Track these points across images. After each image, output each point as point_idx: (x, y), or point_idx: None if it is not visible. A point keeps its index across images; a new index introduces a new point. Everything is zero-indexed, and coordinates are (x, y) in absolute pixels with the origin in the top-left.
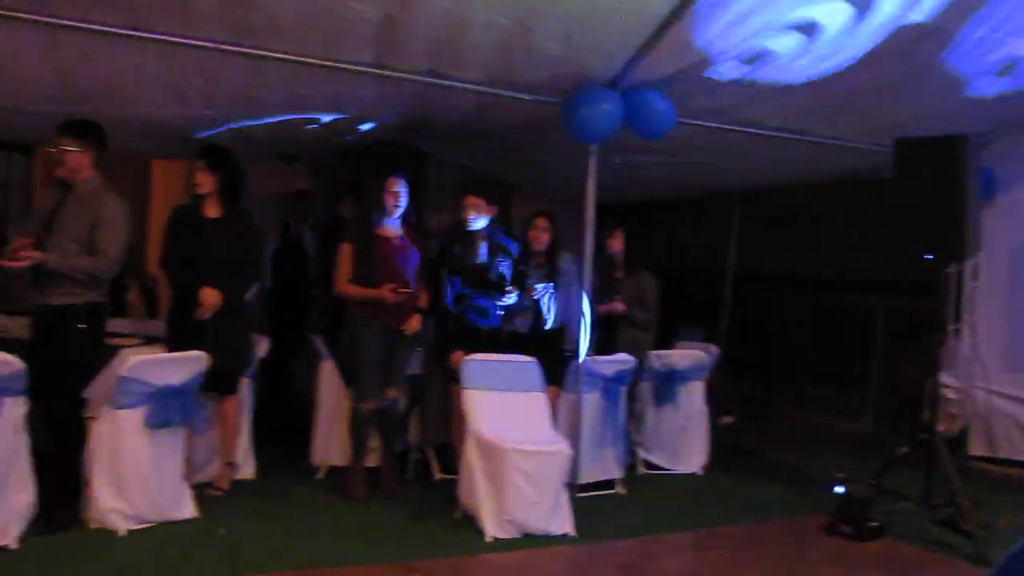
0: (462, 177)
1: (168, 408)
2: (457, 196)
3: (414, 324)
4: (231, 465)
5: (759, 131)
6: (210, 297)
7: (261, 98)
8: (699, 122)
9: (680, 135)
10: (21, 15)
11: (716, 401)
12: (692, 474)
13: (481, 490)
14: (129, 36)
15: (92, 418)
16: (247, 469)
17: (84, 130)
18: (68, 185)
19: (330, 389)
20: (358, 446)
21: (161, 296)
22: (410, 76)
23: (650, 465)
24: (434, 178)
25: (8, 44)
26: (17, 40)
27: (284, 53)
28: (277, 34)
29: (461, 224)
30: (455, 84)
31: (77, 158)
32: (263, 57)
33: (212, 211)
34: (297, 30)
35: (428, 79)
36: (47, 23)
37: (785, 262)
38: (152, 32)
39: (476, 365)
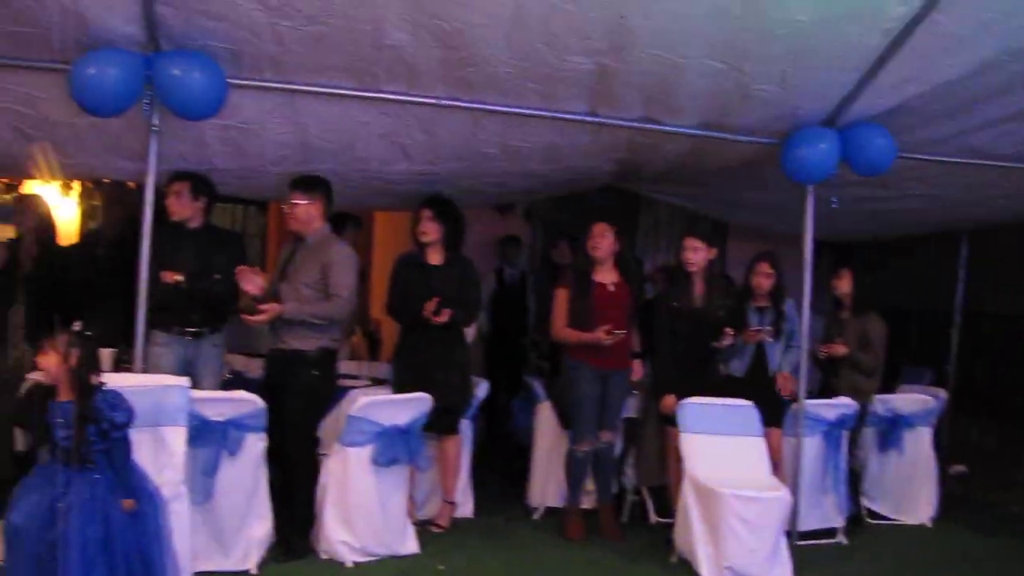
0: (673, 218)
1: (394, 446)
2: (670, 237)
3: (637, 372)
4: (451, 503)
5: (989, 162)
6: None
7: (479, 150)
8: (921, 156)
9: (904, 167)
10: (267, 84)
11: (946, 448)
12: (919, 525)
13: (698, 535)
14: (359, 97)
15: (324, 455)
16: (466, 508)
17: (313, 184)
18: (300, 237)
19: (547, 431)
20: (574, 487)
21: (383, 339)
22: (624, 123)
23: (874, 514)
24: (647, 220)
25: (256, 111)
26: (263, 107)
27: (502, 106)
28: (496, 88)
29: (679, 266)
30: (669, 129)
31: (308, 210)
32: (481, 111)
33: (435, 258)
34: (514, 84)
35: (642, 125)
36: (289, 90)
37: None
38: (380, 92)
39: (693, 408)
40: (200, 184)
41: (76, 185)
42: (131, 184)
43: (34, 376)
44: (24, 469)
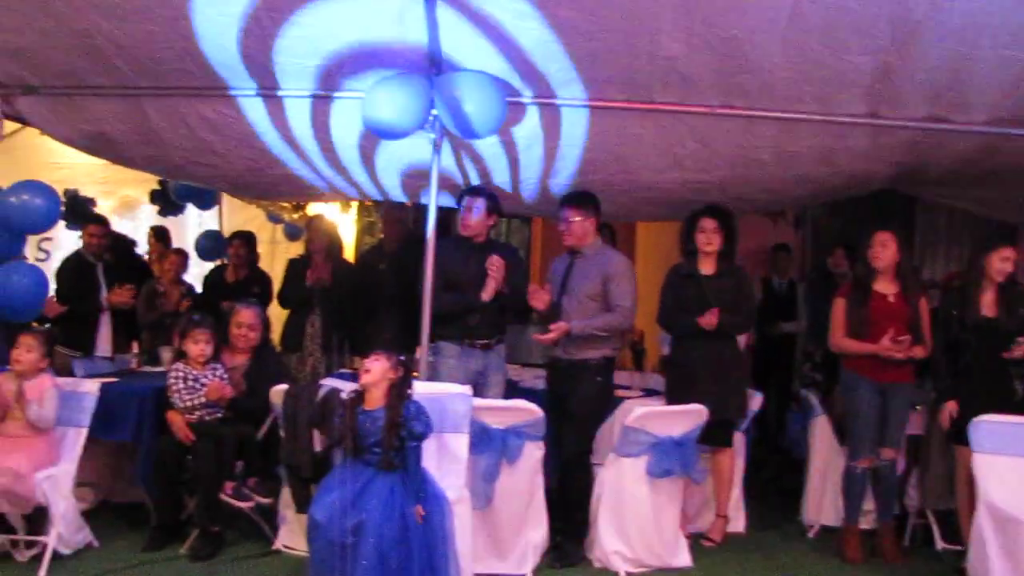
0: (953, 224)
1: (669, 458)
2: (949, 244)
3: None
4: (724, 517)
5: None
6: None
7: (752, 157)
8: None
9: None
10: (538, 101)
11: None
12: None
13: (995, 567)
14: (635, 110)
15: (597, 464)
16: (738, 522)
17: (586, 200)
18: (575, 251)
19: (823, 445)
20: (852, 506)
21: (648, 350)
22: (907, 123)
23: None
24: (925, 226)
25: (529, 126)
26: (538, 122)
27: (777, 112)
28: (770, 94)
29: (972, 274)
30: (957, 128)
31: (583, 225)
32: (755, 117)
33: (708, 268)
34: (790, 88)
35: (927, 125)
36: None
37: None
38: (654, 103)
39: (989, 426)
40: (494, 201)
41: (354, 204)
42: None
43: (329, 381)
44: (322, 469)
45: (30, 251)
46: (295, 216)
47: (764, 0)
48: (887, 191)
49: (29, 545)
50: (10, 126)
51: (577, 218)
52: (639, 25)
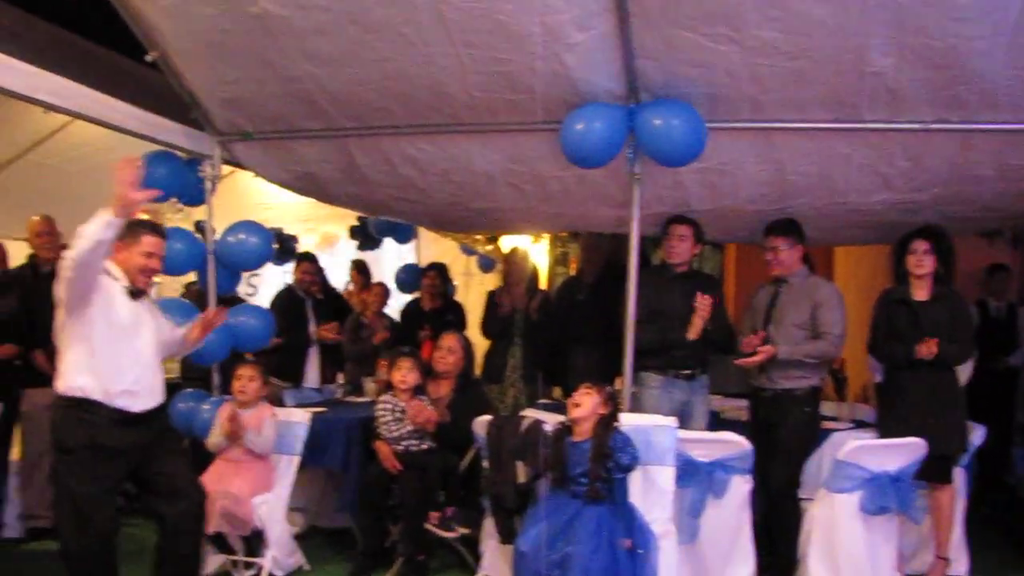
0: None
1: (884, 494)
2: None
3: None
4: (944, 559)
5: None
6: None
7: (970, 173)
8: None
9: None
10: (745, 125)
11: None
12: None
13: None
14: (839, 129)
15: (805, 499)
16: (960, 565)
17: (792, 228)
18: (780, 280)
19: None
20: None
21: (851, 380)
22: None
23: None
24: None
25: (732, 152)
26: (739, 147)
27: (999, 124)
28: (991, 104)
29: None
30: None
31: (790, 254)
32: (974, 132)
33: (921, 293)
34: (1015, 96)
35: None
36: (766, 128)
37: None
38: (862, 122)
39: None
40: (700, 230)
41: (545, 235)
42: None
43: (531, 412)
44: (526, 500)
45: (239, 287)
46: (488, 248)
47: (987, 4)
48: None
49: (247, 566)
50: (224, 169)
51: (784, 247)
52: (846, 40)
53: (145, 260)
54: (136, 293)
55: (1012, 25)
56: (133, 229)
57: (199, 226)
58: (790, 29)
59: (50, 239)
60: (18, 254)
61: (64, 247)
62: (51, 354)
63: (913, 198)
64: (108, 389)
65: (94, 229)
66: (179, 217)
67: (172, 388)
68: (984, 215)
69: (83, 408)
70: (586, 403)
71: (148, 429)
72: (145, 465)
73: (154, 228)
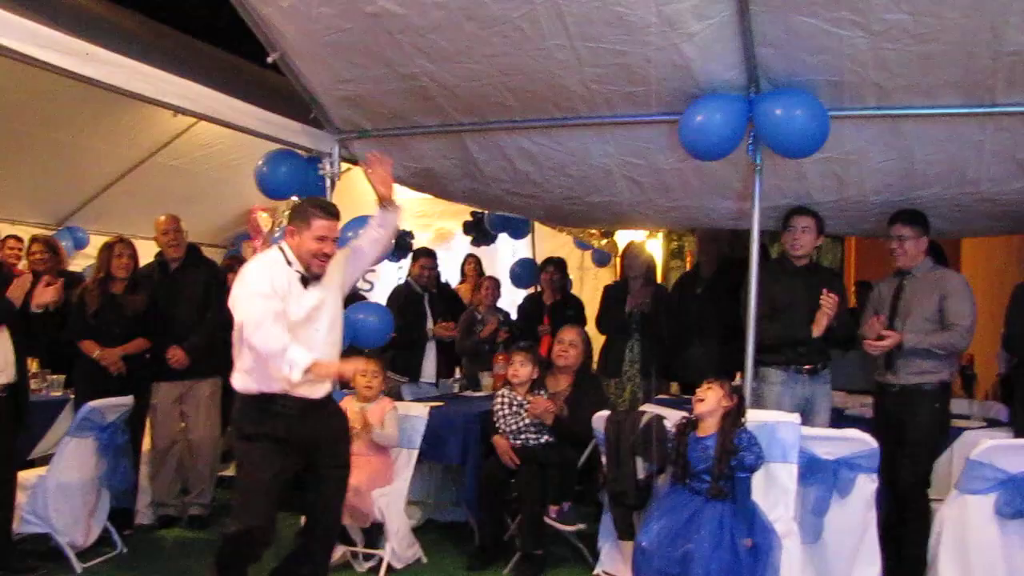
0: None
1: (1022, 497)
2: None
3: None
4: None
5: None
6: None
7: None
8: None
9: None
10: (870, 112)
11: None
12: None
13: None
14: (973, 115)
15: (934, 500)
16: None
17: (917, 219)
18: (904, 272)
19: None
20: None
21: (980, 377)
22: None
23: None
24: None
25: (857, 141)
26: (864, 136)
27: None
28: None
29: None
30: None
31: (916, 245)
32: None
33: None
34: None
35: None
36: (893, 115)
37: None
38: (996, 106)
39: None
40: (821, 222)
41: (660, 231)
42: None
43: (649, 407)
44: (645, 496)
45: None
46: (603, 243)
47: None
48: None
49: (367, 557)
50: (342, 166)
51: (910, 237)
52: (980, 19)
53: (318, 244)
54: (310, 279)
55: None
56: (303, 212)
57: None
58: (918, 10)
59: (176, 236)
60: (146, 253)
61: (190, 244)
62: (187, 348)
63: None
64: (287, 383)
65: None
66: None
67: None
68: None
69: (264, 399)
70: (710, 398)
71: (325, 414)
72: (315, 462)
73: (325, 209)
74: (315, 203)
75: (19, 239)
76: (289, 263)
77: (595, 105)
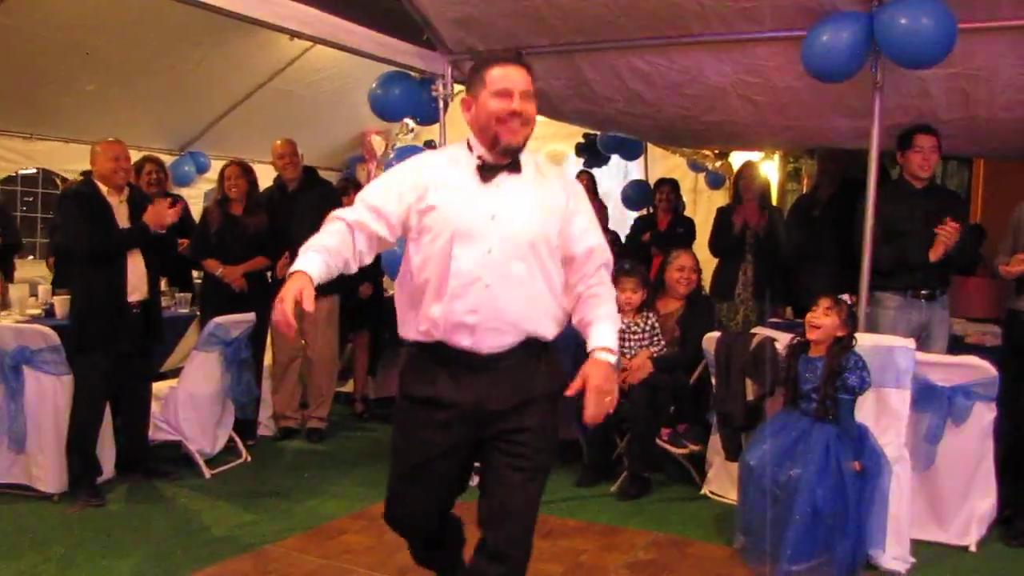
0: None
1: None
2: None
3: None
4: None
5: None
6: None
7: None
8: None
9: None
10: (1003, 24)
11: None
12: None
13: None
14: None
15: None
16: None
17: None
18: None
19: None
20: None
21: None
22: None
23: None
24: None
25: (986, 56)
26: (995, 50)
27: None
28: None
29: None
30: None
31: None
32: None
33: None
34: None
35: None
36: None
37: None
38: None
39: None
40: (940, 141)
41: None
42: None
43: (760, 329)
44: (754, 418)
45: None
46: (717, 164)
47: None
48: None
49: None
50: (455, 88)
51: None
52: None
53: (499, 102)
54: (493, 168)
55: None
56: (474, 70)
57: (429, 145)
58: None
59: (293, 159)
60: (265, 177)
61: (306, 167)
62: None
63: None
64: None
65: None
66: (410, 137)
67: None
68: None
69: (423, 351)
70: (827, 324)
71: (503, 378)
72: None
73: (501, 57)
74: (489, 53)
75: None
76: (471, 149)
77: (709, 23)
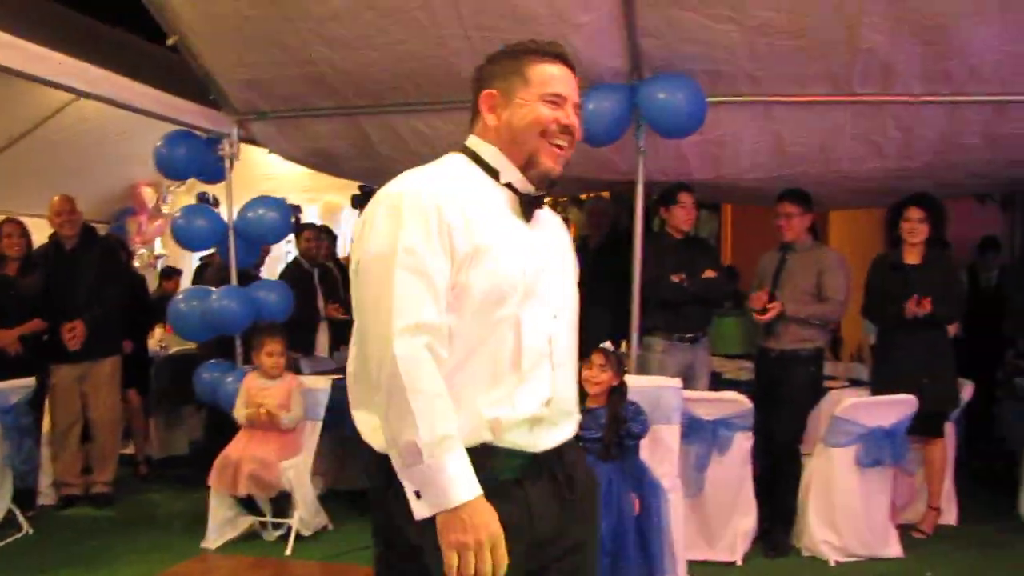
0: None
1: (879, 448)
2: None
3: None
4: (935, 509)
5: None
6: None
7: (958, 142)
8: None
9: None
10: (744, 98)
11: None
12: None
13: None
14: (834, 102)
15: (805, 453)
16: (950, 515)
17: (805, 197)
18: (787, 246)
19: None
20: None
21: (845, 341)
22: None
23: None
24: None
25: (732, 124)
26: (739, 119)
27: (986, 95)
28: (978, 78)
29: None
30: None
31: (802, 221)
32: (961, 103)
33: (913, 257)
34: (1001, 71)
35: None
36: (764, 101)
37: None
38: (854, 95)
39: None
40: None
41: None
42: (605, 194)
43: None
44: None
45: None
46: None
47: None
48: None
49: (276, 526)
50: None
51: (796, 215)
52: (841, 19)
53: (550, 110)
54: (533, 204)
55: (998, 5)
56: (509, 61)
57: (201, 198)
58: (788, 8)
59: (71, 217)
60: (36, 232)
61: (85, 224)
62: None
63: (905, 165)
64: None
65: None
66: (182, 190)
67: (189, 360)
68: (973, 181)
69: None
70: (604, 379)
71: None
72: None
73: (549, 50)
74: (523, 45)
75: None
76: (492, 172)
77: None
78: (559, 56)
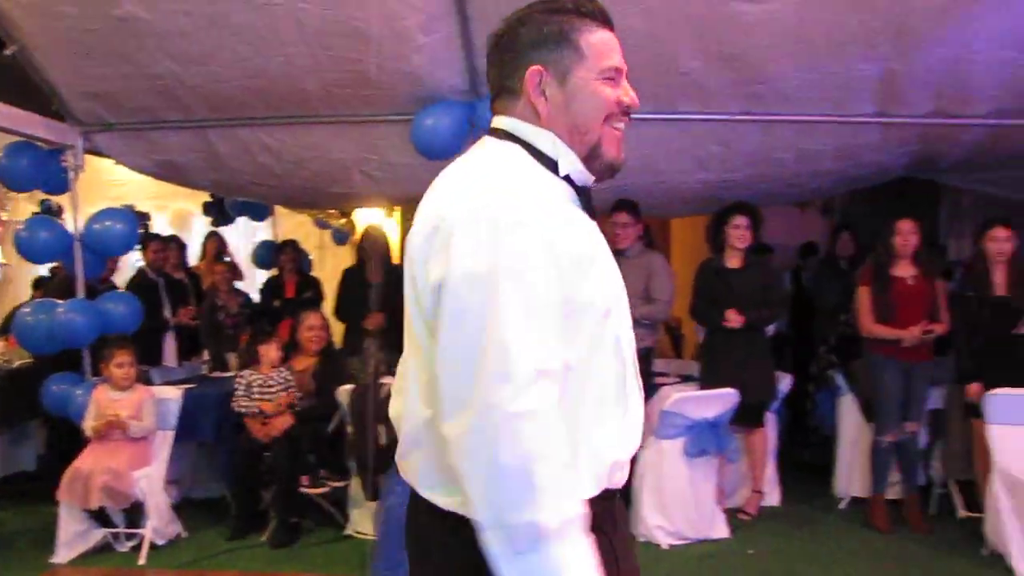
0: (977, 205)
1: (704, 439)
2: (973, 225)
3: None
4: (759, 492)
5: None
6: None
7: (772, 156)
8: None
9: None
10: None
11: None
12: None
13: (1009, 530)
14: (659, 119)
15: (640, 447)
16: (773, 497)
17: (635, 206)
18: (619, 252)
19: (850, 422)
20: (879, 477)
21: (686, 338)
22: (914, 120)
23: None
24: (948, 208)
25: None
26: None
27: (792, 115)
28: (786, 100)
29: (979, 255)
30: (962, 121)
31: (634, 229)
32: (774, 122)
33: (734, 262)
34: (804, 94)
35: (933, 120)
36: None
37: None
38: (676, 113)
39: (1001, 399)
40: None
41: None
42: None
43: (391, 379)
44: (387, 460)
45: None
46: (342, 222)
47: (770, 20)
48: (909, 178)
49: (129, 537)
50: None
51: (629, 224)
52: (661, 47)
53: (611, 86)
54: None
55: (792, 39)
56: (555, 29)
57: (45, 209)
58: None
59: None
60: None
61: None
62: None
63: (727, 177)
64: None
65: None
66: (23, 197)
67: (31, 373)
68: (788, 191)
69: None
70: None
71: None
72: None
73: (596, 11)
74: (560, 6)
75: None
76: (549, 164)
77: (333, 105)
78: (605, 18)
